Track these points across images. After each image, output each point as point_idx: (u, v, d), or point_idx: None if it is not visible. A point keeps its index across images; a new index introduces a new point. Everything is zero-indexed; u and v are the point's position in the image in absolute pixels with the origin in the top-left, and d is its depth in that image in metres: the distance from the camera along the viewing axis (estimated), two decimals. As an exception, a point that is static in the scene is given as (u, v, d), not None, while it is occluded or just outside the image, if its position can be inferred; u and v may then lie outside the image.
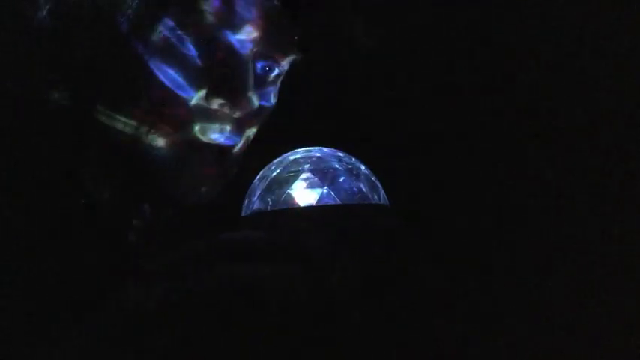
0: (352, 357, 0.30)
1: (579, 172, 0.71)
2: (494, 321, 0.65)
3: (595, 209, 0.70)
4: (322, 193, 0.42)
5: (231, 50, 0.49)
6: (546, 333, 0.67)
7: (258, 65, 0.52)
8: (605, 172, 0.70)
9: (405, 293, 0.34)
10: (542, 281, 0.69)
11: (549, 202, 0.71)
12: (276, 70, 0.54)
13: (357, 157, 0.45)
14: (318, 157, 0.44)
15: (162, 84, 0.48)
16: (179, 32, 0.48)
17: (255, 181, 0.45)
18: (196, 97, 0.49)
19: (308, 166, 0.43)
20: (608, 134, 0.71)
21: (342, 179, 0.43)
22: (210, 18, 0.48)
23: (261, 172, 0.45)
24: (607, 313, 0.66)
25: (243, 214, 0.44)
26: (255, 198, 0.43)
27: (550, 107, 0.73)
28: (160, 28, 0.47)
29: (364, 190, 0.43)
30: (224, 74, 0.49)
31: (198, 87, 0.49)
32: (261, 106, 0.53)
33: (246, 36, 0.50)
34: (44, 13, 0.46)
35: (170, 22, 0.47)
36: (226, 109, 0.50)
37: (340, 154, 0.46)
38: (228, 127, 0.51)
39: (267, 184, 0.43)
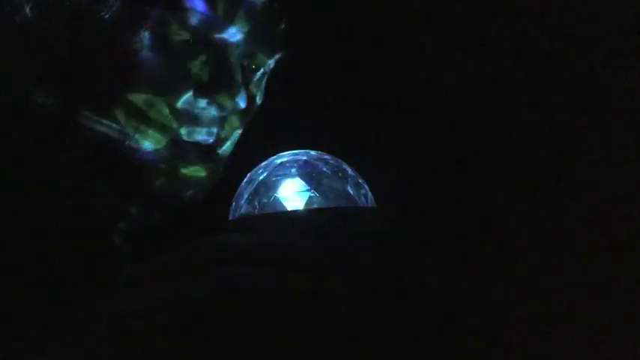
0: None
1: (573, 172, 0.72)
2: (487, 322, 0.66)
3: (589, 210, 0.70)
4: (309, 196, 0.42)
5: (216, 50, 0.49)
6: (543, 335, 0.67)
7: (244, 65, 0.52)
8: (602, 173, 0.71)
9: (394, 295, 0.35)
10: (534, 280, 0.69)
11: (538, 201, 0.72)
12: (262, 70, 0.54)
13: (343, 160, 0.45)
14: (305, 160, 0.44)
15: (147, 85, 0.48)
16: (163, 32, 0.48)
17: (242, 184, 0.45)
18: (182, 98, 0.49)
19: (295, 169, 0.43)
20: (606, 134, 0.71)
21: (329, 182, 0.43)
22: (194, 17, 0.47)
23: (249, 175, 0.45)
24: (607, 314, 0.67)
25: (230, 217, 0.44)
26: (243, 201, 0.43)
27: (539, 106, 0.73)
28: (144, 28, 0.47)
29: (351, 192, 0.43)
30: (210, 74, 0.49)
31: (183, 88, 0.49)
32: (247, 107, 0.53)
33: (231, 35, 0.49)
34: (26, 11, 0.46)
35: (154, 22, 0.47)
36: (212, 110, 0.50)
37: (327, 156, 0.46)
38: (214, 129, 0.51)
39: (255, 187, 0.43)
